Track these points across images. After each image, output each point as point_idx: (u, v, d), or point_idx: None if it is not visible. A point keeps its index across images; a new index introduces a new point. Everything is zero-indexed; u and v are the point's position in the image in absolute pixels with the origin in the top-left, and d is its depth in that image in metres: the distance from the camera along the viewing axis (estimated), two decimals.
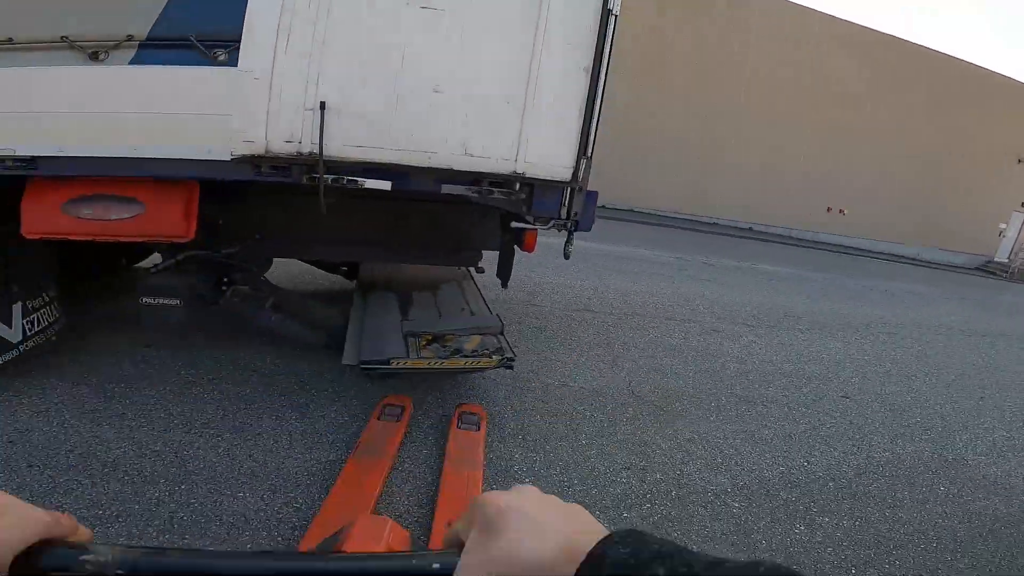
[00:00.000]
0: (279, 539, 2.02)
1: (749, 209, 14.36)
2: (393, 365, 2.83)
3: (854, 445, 3.37)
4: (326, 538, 1.63)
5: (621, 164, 12.81)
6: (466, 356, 3.03)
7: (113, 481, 2.14)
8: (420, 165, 2.49)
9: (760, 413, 3.62)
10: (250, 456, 2.44)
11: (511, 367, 3.06)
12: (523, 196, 2.73)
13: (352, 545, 1.40)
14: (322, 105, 2.30)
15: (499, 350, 3.09)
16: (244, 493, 2.21)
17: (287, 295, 3.41)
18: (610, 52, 2.58)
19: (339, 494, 2.20)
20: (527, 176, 2.63)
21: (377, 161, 2.44)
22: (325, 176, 2.38)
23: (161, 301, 2.80)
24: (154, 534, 1.94)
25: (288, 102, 2.29)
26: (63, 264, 3.11)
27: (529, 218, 2.89)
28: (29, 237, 2.44)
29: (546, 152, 2.64)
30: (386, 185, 2.50)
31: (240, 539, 2.00)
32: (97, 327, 3.45)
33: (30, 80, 2.32)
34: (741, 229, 13.24)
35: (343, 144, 2.39)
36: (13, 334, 2.70)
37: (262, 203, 3.25)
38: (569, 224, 2.90)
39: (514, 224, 3.10)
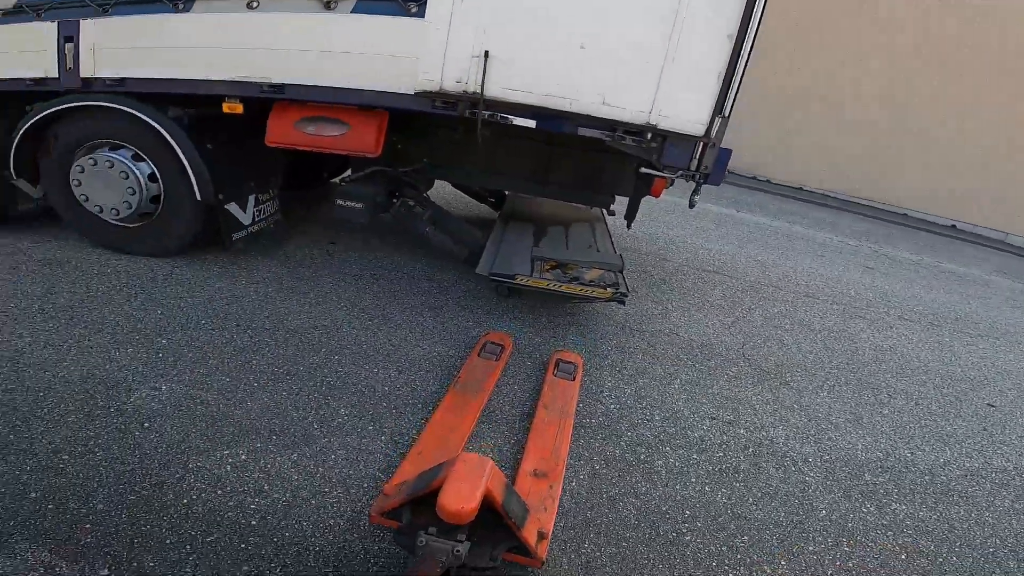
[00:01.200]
0: (392, 409, 2.58)
1: (953, 203, 12.17)
2: (517, 280, 3.41)
3: (975, 450, 3.20)
4: (423, 472, 1.93)
5: (794, 141, 11.81)
6: (583, 284, 3.46)
7: (290, 346, 2.96)
8: (561, 109, 2.98)
9: (878, 400, 3.54)
10: (389, 341, 3.15)
11: (623, 302, 3.46)
12: (654, 145, 3.08)
13: (452, 481, 1.65)
14: (486, 54, 2.86)
15: (615, 285, 3.48)
16: (378, 369, 2.88)
17: (442, 213, 4.14)
18: (759, 21, 2.75)
19: (436, 426, 2.44)
20: (660, 128, 2.98)
21: (526, 103, 2.99)
22: (483, 112, 3.00)
23: (349, 204, 3.64)
24: (308, 393, 2.59)
25: (460, 50, 2.90)
26: (285, 170, 4.14)
27: (659, 166, 3.20)
28: (269, 145, 3.37)
29: (681, 108, 2.94)
30: (531, 123, 3.06)
31: (365, 404, 2.59)
32: (300, 222, 4.53)
33: (280, 24, 3.14)
34: (939, 226, 11.46)
35: (501, 88, 2.97)
36: (246, 218, 3.73)
37: (431, 133, 4.01)
38: (698, 176, 3.17)
39: (644, 170, 3.43)
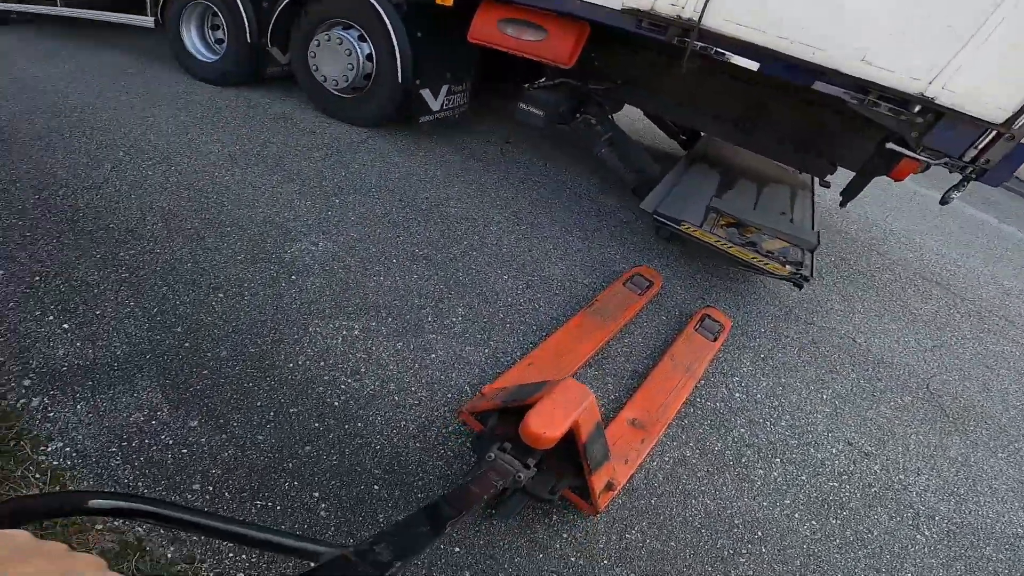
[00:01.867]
0: (506, 324, 2.43)
1: None
2: (682, 228, 2.94)
3: None
4: (523, 384, 1.82)
5: None
6: (758, 253, 2.87)
7: (437, 231, 2.88)
8: (798, 57, 2.34)
9: None
10: (529, 252, 2.93)
11: (801, 286, 2.83)
12: (919, 121, 2.34)
13: (545, 403, 1.51)
14: None
15: (797, 264, 2.83)
16: (508, 278, 2.70)
17: (623, 137, 3.69)
18: None
19: (555, 342, 2.29)
20: (936, 102, 2.23)
21: (752, 42, 2.40)
22: (696, 43, 2.49)
23: (532, 109, 3.44)
24: (435, 283, 2.53)
25: None
26: (479, 67, 4.01)
27: (916, 146, 2.47)
28: (471, 41, 3.22)
29: (981, 88, 2.18)
30: (753, 66, 2.49)
31: (482, 311, 2.47)
32: (484, 118, 4.44)
33: None
34: None
35: (723, 19, 2.41)
36: (435, 104, 3.75)
37: (632, 54, 3.49)
38: (970, 170, 2.39)
39: (891, 146, 2.64)
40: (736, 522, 1.97)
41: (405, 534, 0.94)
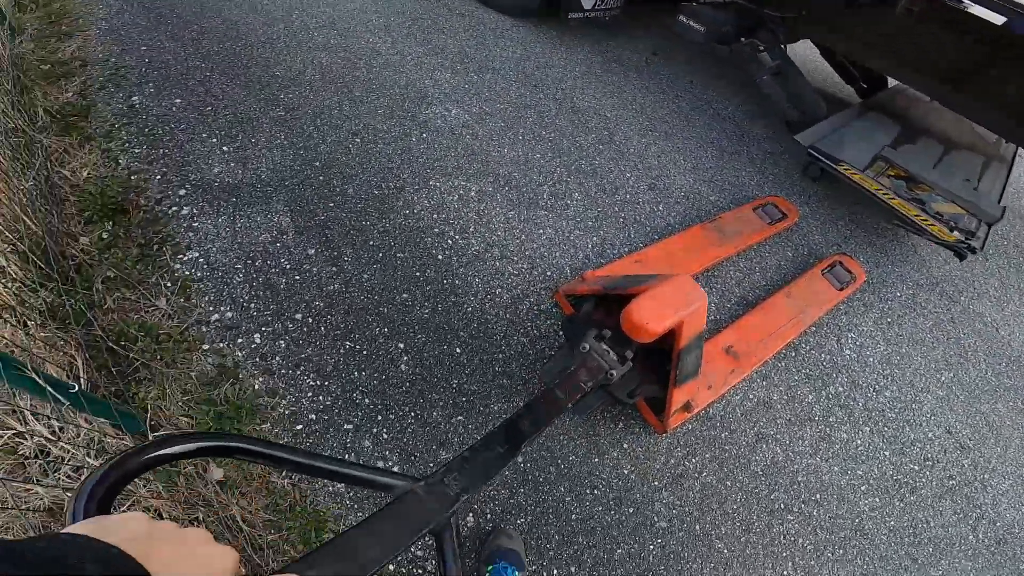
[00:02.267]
0: (620, 219, 2.27)
1: None
2: (841, 168, 2.50)
3: None
4: (629, 276, 1.69)
5: None
6: (924, 212, 2.38)
7: (566, 120, 2.66)
8: None
9: None
10: (657, 158, 2.65)
11: (964, 256, 2.34)
12: None
13: (655, 294, 1.36)
14: None
15: (968, 233, 2.32)
16: (631, 176, 2.47)
17: (792, 69, 3.14)
18: None
19: (668, 247, 2.12)
20: None
21: None
22: None
23: (692, 23, 3.03)
24: (556, 167, 2.39)
25: None
26: None
27: None
28: None
29: None
30: (996, 19, 2.10)
31: (599, 201, 2.31)
32: (635, 26, 4.02)
33: None
34: None
35: None
36: (587, 2, 3.43)
37: None
38: None
39: None
40: (799, 479, 1.79)
41: (478, 459, 0.90)
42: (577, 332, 1.50)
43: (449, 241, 1.94)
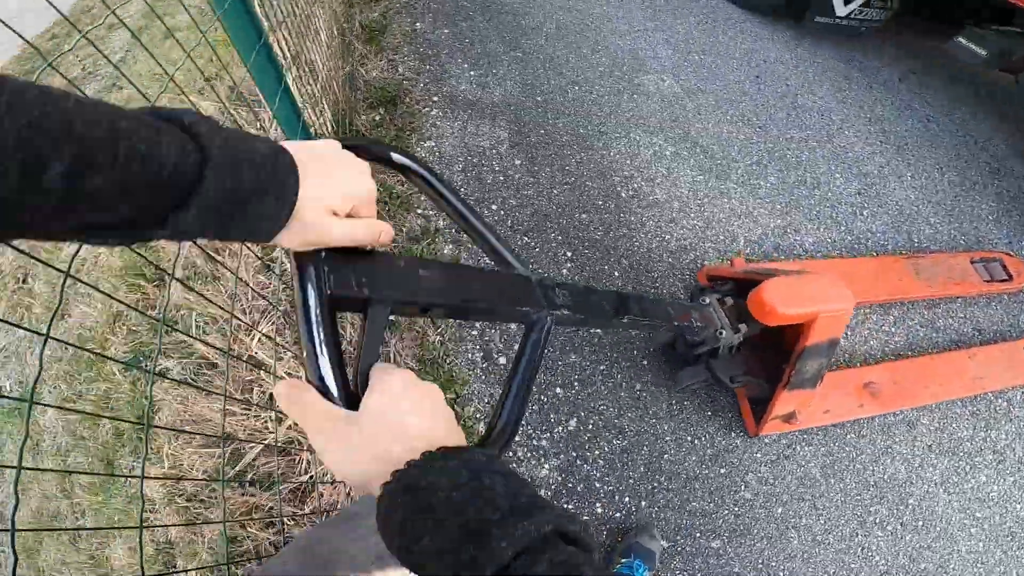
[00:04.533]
0: (813, 212, 2.17)
1: None
2: None
3: None
4: (778, 269, 1.56)
5: None
6: None
7: (781, 111, 2.58)
8: None
9: None
10: (879, 166, 2.47)
11: None
12: None
13: (796, 280, 1.33)
14: None
15: None
16: (838, 175, 2.34)
17: None
18: None
19: (848, 266, 1.95)
20: None
21: None
22: None
23: (972, 46, 2.69)
24: (759, 150, 2.36)
25: None
26: None
27: None
28: None
29: None
30: None
31: (797, 189, 2.23)
32: (889, 43, 3.61)
33: None
34: None
35: None
36: (843, 8, 3.19)
37: None
38: None
39: None
40: (910, 502, 1.69)
41: (588, 298, 0.87)
42: (703, 295, 1.53)
43: (635, 185, 2.09)
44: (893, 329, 1.97)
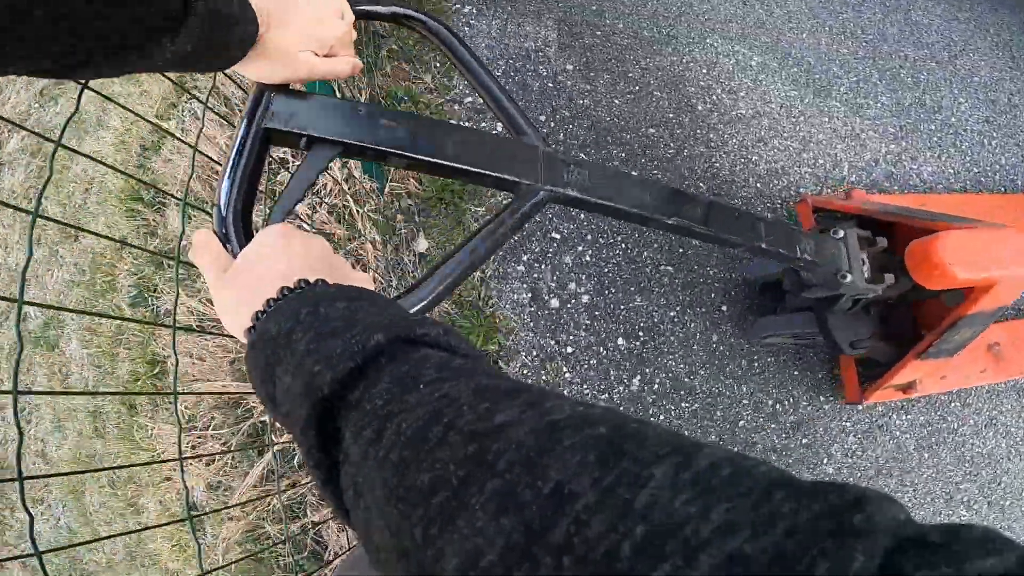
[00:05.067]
0: (933, 139, 1.80)
1: None
2: None
3: None
4: (920, 209, 1.44)
5: None
6: None
7: (895, 30, 2.16)
8: None
9: None
10: (1012, 92, 2.00)
11: None
12: None
13: (976, 234, 1.03)
14: None
15: None
16: (963, 100, 1.90)
17: None
18: None
19: (977, 203, 1.65)
20: None
21: None
22: None
23: None
24: (867, 68, 1.97)
25: None
26: None
27: None
28: None
29: None
30: None
31: (914, 111, 1.85)
32: None
33: None
34: None
35: None
36: None
37: None
38: None
39: None
40: (1003, 480, 1.49)
41: (620, 181, 0.76)
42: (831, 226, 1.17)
43: (714, 97, 1.71)
44: None
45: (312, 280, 0.36)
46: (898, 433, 1.45)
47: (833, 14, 2.18)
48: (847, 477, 1.40)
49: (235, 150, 0.44)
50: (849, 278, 1.00)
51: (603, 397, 1.33)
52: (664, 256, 1.45)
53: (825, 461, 1.41)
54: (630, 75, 1.73)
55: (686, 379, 1.36)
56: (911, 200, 1.52)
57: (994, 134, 1.85)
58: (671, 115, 1.65)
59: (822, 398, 1.43)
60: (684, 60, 1.80)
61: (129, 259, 1.70)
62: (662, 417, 1.34)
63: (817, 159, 1.61)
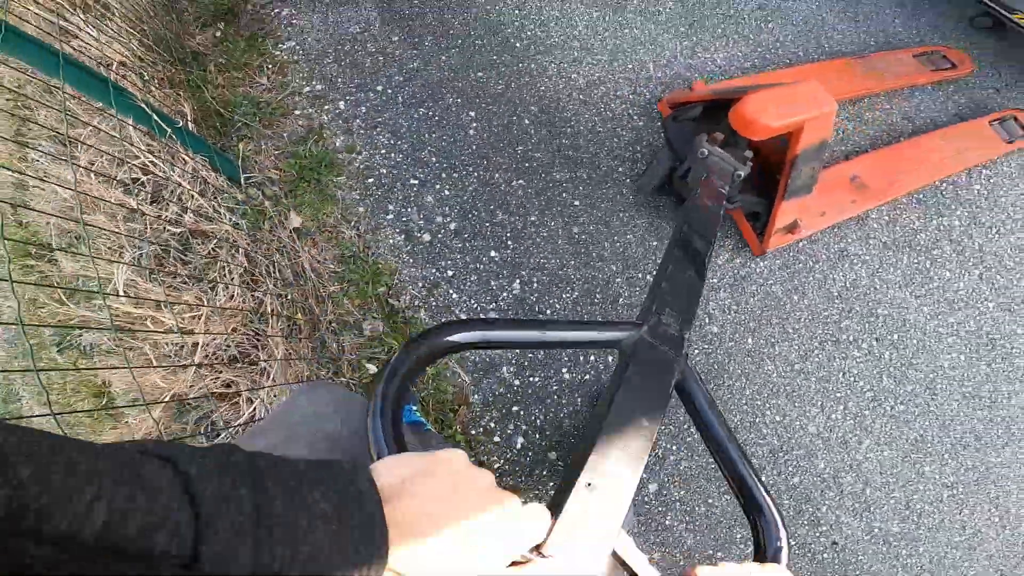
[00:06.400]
0: (720, 32, 2.08)
1: None
2: (1018, 18, 2.09)
3: None
4: (747, 85, 1.50)
5: None
6: None
7: None
8: None
9: None
10: None
11: None
12: None
13: (776, 93, 1.26)
14: None
15: None
16: None
17: None
18: None
19: (796, 73, 1.91)
20: None
21: None
22: None
23: None
24: None
25: None
26: None
27: None
28: None
29: None
30: None
31: (698, 10, 2.11)
32: None
33: None
34: None
35: None
36: None
37: None
38: None
39: None
40: (879, 311, 1.60)
41: (678, 289, 0.76)
42: (681, 138, 1.42)
43: (528, 32, 1.90)
44: (861, 122, 1.93)
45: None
46: (761, 280, 1.63)
47: None
48: (732, 335, 1.55)
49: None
50: (742, 174, 1.25)
51: (491, 307, 1.47)
52: (514, 174, 1.62)
53: (707, 322, 1.57)
54: (451, 32, 1.89)
55: (559, 272, 1.52)
56: (743, 82, 1.79)
57: (770, 18, 2.17)
58: (495, 57, 1.83)
59: None
60: (496, 6, 1.99)
61: (47, 309, 1.62)
62: (549, 311, 1.50)
63: (626, 65, 1.85)
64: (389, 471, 0.33)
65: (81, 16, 1.62)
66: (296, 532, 0.26)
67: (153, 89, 1.65)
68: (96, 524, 0.22)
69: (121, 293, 1.31)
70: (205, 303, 1.37)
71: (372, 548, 0.28)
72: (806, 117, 1.25)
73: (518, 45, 1.86)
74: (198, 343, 1.37)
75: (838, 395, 1.50)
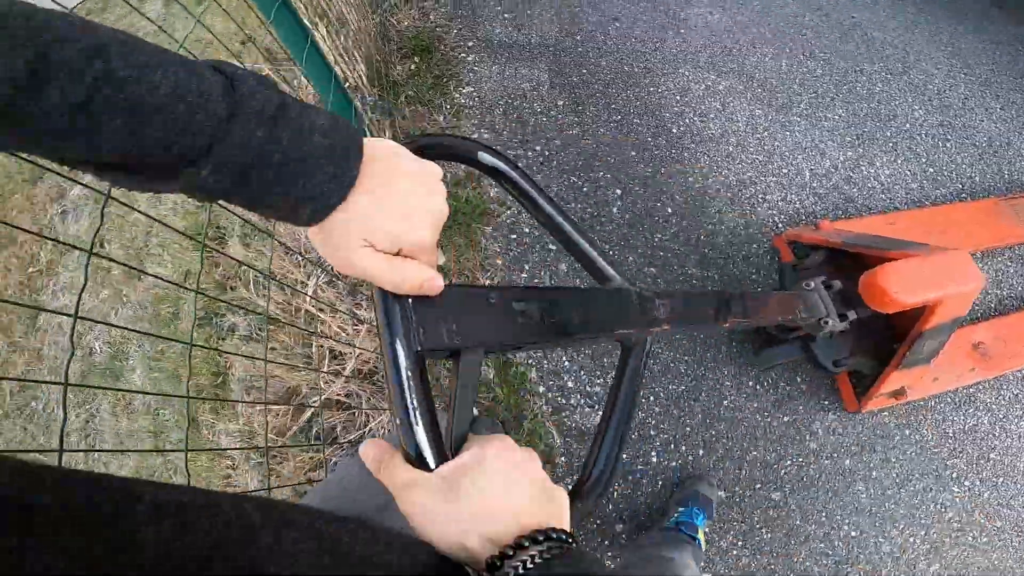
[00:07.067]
0: (891, 145, 2.01)
1: None
2: None
3: None
4: (888, 237, 1.44)
5: None
6: None
7: (849, 44, 2.39)
8: None
9: None
10: (963, 98, 2.25)
11: None
12: None
13: (915, 263, 1.20)
14: None
15: None
16: (917, 107, 2.15)
17: None
18: None
19: (944, 213, 1.78)
20: None
21: None
22: None
23: None
24: (823, 84, 2.21)
25: None
26: None
27: None
28: None
29: None
30: None
31: (870, 123, 2.08)
32: None
33: None
34: None
35: None
36: None
37: None
38: None
39: None
40: (992, 456, 1.57)
41: (690, 305, 0.79)
42: (792, 277, 1.42)
43: (687, 120, 1.97)
44: (999, 279, 1.80)
45: (553, 535, 0.37)
46: (876, 411, 1.58)
47: (792, 37, 2.45)
48: (830, 454, 1.54)
49: (406, 391, 0.41)
50: (831, 322, 1.22)
51: (599, 381, 1.56)
52: (647, 260, 1.70)
53: (808, 439, 1.56)
54: (613, 106, 2.00)
55: (672, 364, 1.58)
56: (877, 220, 1.72)
57: (949, 136, 2.08)
58: (649, 138, 1.91)
59: (799, 378, 1.62)
60: (660, 90, 2.08)
61: (191, 291, 1.95)
62: (652, 398, 1.56)
63: (781, 168, 1.85)
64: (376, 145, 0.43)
65: (321, 27, 1.89)
66: (302, 123, 0.36)
67: (368, 111, 1.93)
68: (165, 89, 0.31)
69: (310, 294, 1.56)
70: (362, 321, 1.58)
71: (353, 155, 0.39)
72: (947, 294, 1.18)
73: (674, 130, 1.93)
74: (337, 351, 1.59)
75: (923, 521, 1.47)
